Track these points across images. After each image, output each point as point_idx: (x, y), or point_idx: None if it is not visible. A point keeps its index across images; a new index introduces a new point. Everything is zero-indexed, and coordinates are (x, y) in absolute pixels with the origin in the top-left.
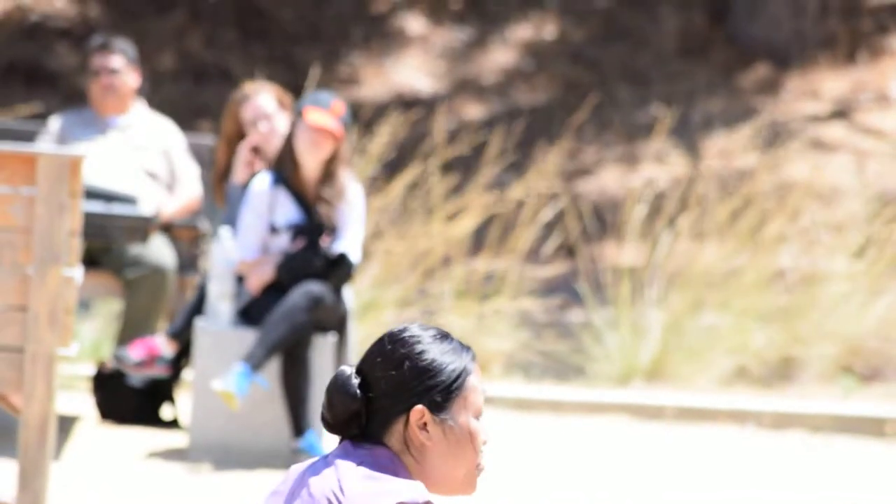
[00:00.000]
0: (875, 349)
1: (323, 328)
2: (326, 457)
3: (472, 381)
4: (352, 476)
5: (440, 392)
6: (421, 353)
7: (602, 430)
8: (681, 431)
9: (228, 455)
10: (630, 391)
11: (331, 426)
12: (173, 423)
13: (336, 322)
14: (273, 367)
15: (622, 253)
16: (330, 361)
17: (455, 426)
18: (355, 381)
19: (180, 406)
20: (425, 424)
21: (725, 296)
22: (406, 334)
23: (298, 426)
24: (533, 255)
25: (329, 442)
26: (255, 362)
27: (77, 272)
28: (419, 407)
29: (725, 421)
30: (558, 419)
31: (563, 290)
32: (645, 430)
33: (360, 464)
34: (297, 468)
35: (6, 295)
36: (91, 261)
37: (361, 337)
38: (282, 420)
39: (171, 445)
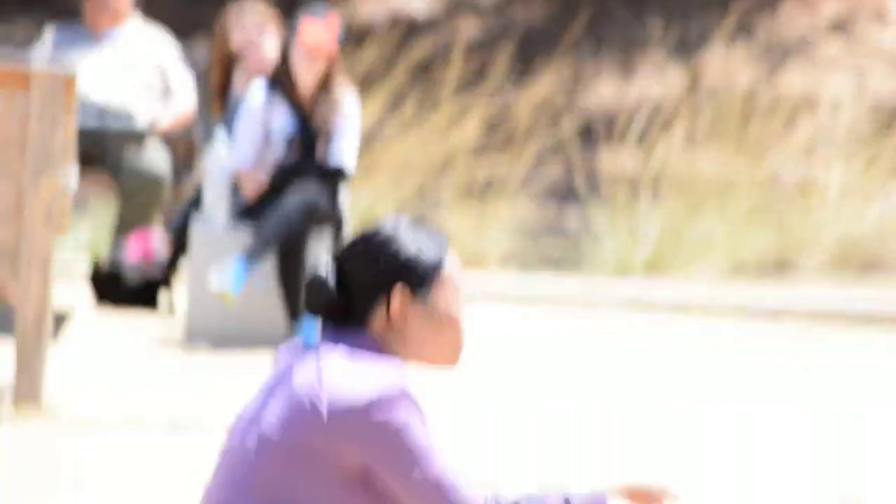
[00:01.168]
0: (869, 253)
1: (319, 231)
2: (309, 345)
3: (449, 265)
4: (332, 364)
5: (419, 277)
6: (396, 238)
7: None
8: (678, 325)
9: (224, 341)
10: (628, 283)
11: (311, 312)
12: (169, 312)
13: (332, 227)
14: (269, 267)
15: (620, 161)
16: (326, 250)
17: (435, 310)
18: (333, 276)
19: (177, 294)
20: (405, 308)
21: (721, 202)
22: (378, 231)
23: (294, 311)
24: (532, 164)
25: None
26: (251, 261)
27: (72, 180)
28: (399, 291)
29: (723, 315)
30: (556, 313)
31: (562, 196)
32: (642, 324)
33: (341, 351)
34: (284, 354)
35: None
36: (88, 164)
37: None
38: (277, 307)
39: (167, 332)
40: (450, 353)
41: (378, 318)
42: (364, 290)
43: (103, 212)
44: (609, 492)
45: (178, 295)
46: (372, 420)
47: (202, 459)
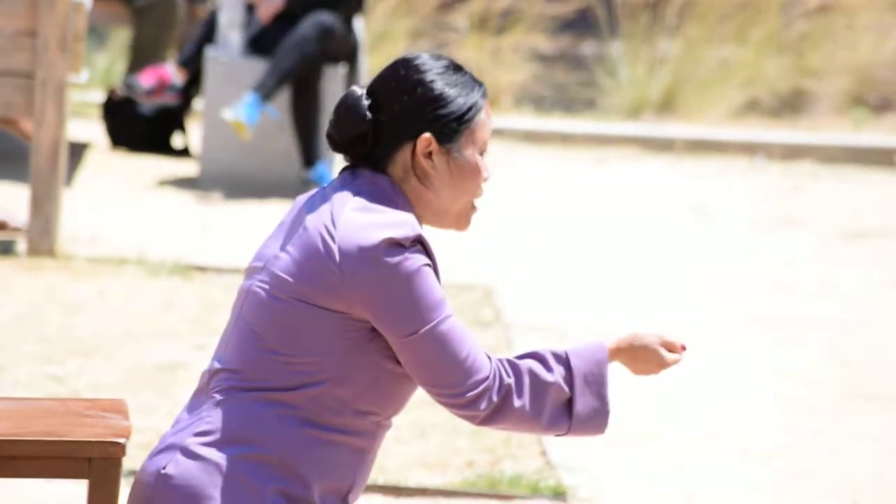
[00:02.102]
0: (888, 80)
1: (333, 59)
2: (325, 188)
3: (482, 116)
4: (346, 207)
5: (449, 122)
6: (434, 81)
7: (612, 162)
8: (691, 163)
9: (239, 184)
10: (640, 124)
11: (336, 144)
12: (184, 152)
13: (347, 53)
14: (283, 98)
15: None
16: (340, 92)
17: (460, 158)
18: (366, 101)
19: (191, 135)
20: (431, 153)
21: (741, 26)
22: (420, 61)
23: (308, 156)
24: None
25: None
26: (266, 92)
27: None
28: (427, 135)
29: (736, 152)
30: (568, 151)
31: (579, 24)
32: (655, 163)
33: (356, 193)
34: (301, 199)
35: (15, 20)
36: None
37: (372, 68)
38: (292, 150)
39: (182, 174)
40: (463, 209)
41: (399, 163)
42: (396, 121)
43: (117, 39)
44: (607, 343)
45: (192, 138)
46: (382, 263)
47: (212, 298)
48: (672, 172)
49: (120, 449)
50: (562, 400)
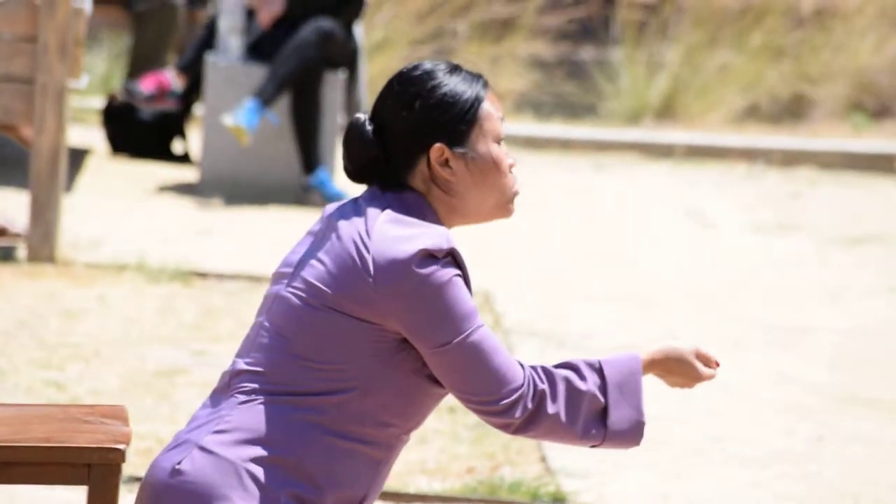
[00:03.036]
0: (887, 86)
1: (333, 64)
2: (356, 200)
3: (487, 107)
4: (379, 220)
5: (455, 124)
6: (431, 88)
7: (612, 168)
8: (690, 169)
9: (239, 189)
10: (640, 130)
11: (352, 175)
12: (184, 158)
13: (347, 58)
14: (284, 104)
15: None
16: (340, 98)
17: (476, 156)
18: (369, 127)
19: (191, 141)
20: (447, 160)
21: (741, 32)
22: (415, 72)
23: (308, 162)
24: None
25: (340, 179)
26: (266, 97)
27: (86, 3)
28: (437, 144)
29: (735, 158)
30: (568, 158)
31: (579, 31)
32: (655, 169)
33: (387, 207)
34: (331, 208)
35: (15, 25)
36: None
37: (372, 74)
38: (292, 156)
39: (182, 179)
40: (499, 201)
41: (419, 177)
42: (402, 139)
43: (117, 45)
44: (641, 353)
45: (192, 143)
46: (415, 274)
47: (212, 304)
48: (671, 178)
49: (119, 455)
50: (596, 409)
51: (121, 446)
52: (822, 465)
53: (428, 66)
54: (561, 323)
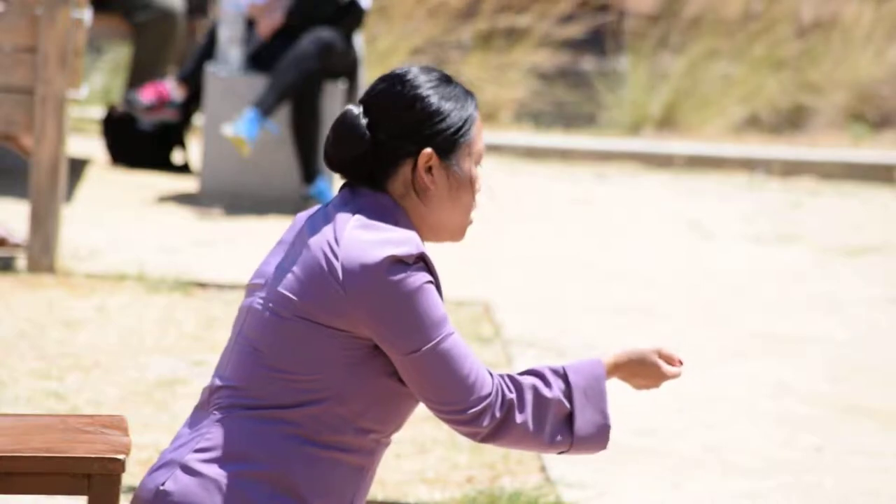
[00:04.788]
0: (887, 96)
1: (333, 74)
2: (326, 206)
3: (476, 128)
4: (348, 226)
5: (449, 136)
6: (430, 95)
7: (612, 177)
8: (690, 179)
9: (239, 199)
10: (640, 140)
11: (334, 165)
12: (184, 168)
13: (347, 68)
14: (283, 114)
15: (641, 2)
16: (340, 108)
17: (458, 172)
18: (364, 121)
19: (191, 151)
20: (431, 168)
21: (742, 43)
22: (413, 76)
23: (308, 172)
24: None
25: (338, 189)
26: (266, 108)
27: (86, 14)
28: (428, 150)
29: (735, 168)
30: (568, 168)
31: (580, 41)
32: (655, 178)
33: (357, 212)
34: (302, 217)
35: (15, 36)
36: (100, 3)
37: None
38: (292, 166)
39: (182, 190)
40: (461, 222)
41: (399, 179)
42: (395, 139)
43: (117, 55)
44: (604, 358)
45: (192, 154)
46: (385, 280)
47: (212, 314)
48: (672, 188)
49: (119, 465)
50: (563, 415)
51: (121, 456)
52: (822, 475)
53: (425, 72)
54: (560, 333)
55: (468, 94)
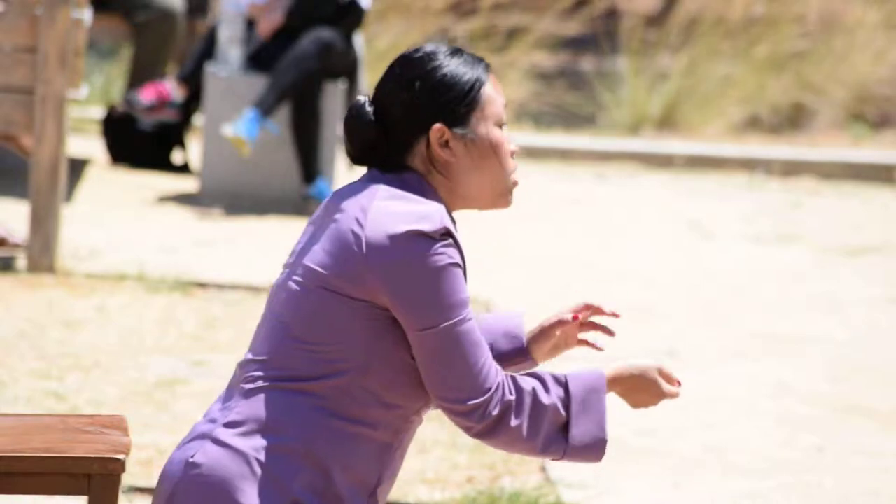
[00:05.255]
0: (887, 96)
1: (333, 74)
2: (355, 182)
3: (488, 90)
4: (376, 197)
5: (455, 106)
6: (432, 70)
7: (612, 177)
8: (690, 179)
9: (239, 199)
10: (640, 140)
11: (353, 157)
12: (184, 168)
13: (346, 68)
14: (284, 114)
15: (641, 1)
16: (340, 108)
17: (476, 138)
18: (369, 108)
19: (191, 151)
20: (447, 141)
21: (743, 43)
22: (416, 55)
23: (308, 172)
24: (552, 12)
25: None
26: (266, 108)
27: (86, 14)
28: (437, 125)
29: (735, 168)
30: (568, 168)
31: (579, 41)
32: (655, 179)
33: (386, 187)
34: (331, 196)
35: (15, 36)
36: (100, 4)
37: (372, 83)
38: (292, 166)
39: (182, 190)
40: (498, 187)
41: (419, 159)
42: (402, 120)
43: (117, 55)
44: (606, 370)
45: (192, 154)
46: (408, 251)
47: (212, 315)
48: (671, 188)
49: (119, 465)
50: (558, 423)
51: (120, 456)
52: (822, 475)
53: (429, 48)
54: None
55: (476, 60)
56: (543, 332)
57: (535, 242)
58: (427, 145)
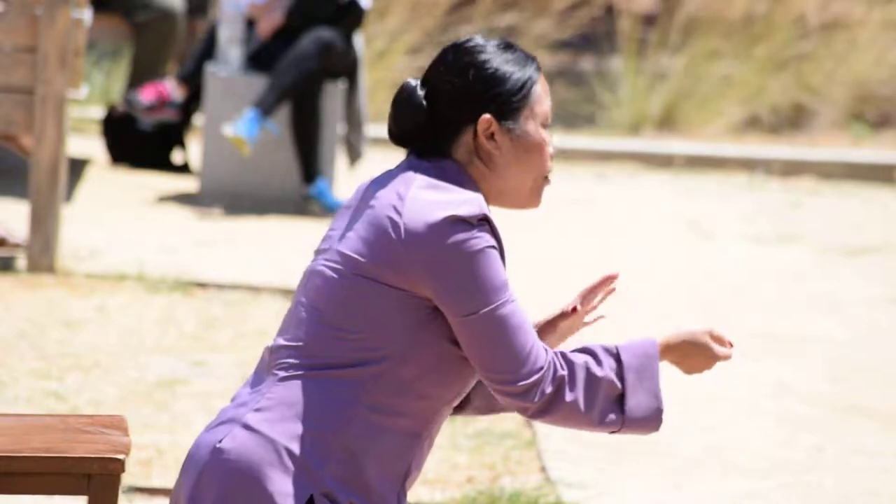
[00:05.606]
0: (887, 96)
1: (333, 74)
2: (391, 170)
3: (538, 89)
4: (413, 185)
5: (507, 100)
6: (486, 61)
7: (612, 177)
8: (690, 179)
9: (239, 199)
10: (640, 140)
11: (396, 138)
12: (184, 168)
13: (347, 68)
14: (284, 114)
15: (641, 1)
16: (340, 108)
17: (523, 135)
18: (421, 91)
19: (191, 150)
20: (493, 134)
21: (743, 43)
22: (470, 44)
23: (308, 172)
24: (555, 15)
25: (339, 189)
26: (266, 108)
27: (86, 14)
28: (486, 116)
29: (735, 168)
30: (568, 168)
31: (579, 41)
32: (655, 179)
33: (423, 173)
34: (365, 182)
35: (15, 36)
36: (100, 4)
37: (372, 84)
38: (292, 166)
39: (182, 190)
40: (535, 184)
41: (463, 147)
42: (452, 107)
43: (117, 55)
44: (658, 339)
45: (192, 154)
46: (447, 239)
47: (212, 314)
48: (671, 188)
49: (119, 465)
50: (614, 395)
51: (120, 456)
52: (822, 475)
53: (483, 39)
54: None
55: (528, 57)
56: (549, 324)
57: (535, 242)
58: (474, 135)
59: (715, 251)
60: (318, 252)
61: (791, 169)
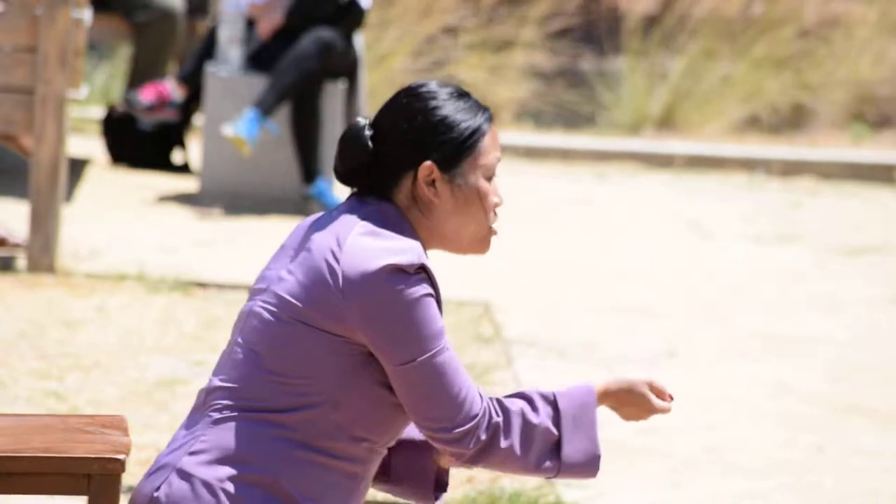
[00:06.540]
0: (887, 96)
1: (334, 74)
2: (332, 212)
3: (486, 141)
4: (353, 232)
5: (451, 149)
6: (435, 108)
7: (612, 177)
8: (690, 179)
9: (239, 199)
10: (640, 140)
11: (341, 176)
12: (184, 168)
13: (347, 68)
14: (284, 114)
15: (641, 1)
16: (340, 108)
17: (464, 185)
18: (368, 132)
19: (191, 150)
20: (434, 181)
21: (743, 43)
22: (423, 89)
23: (308, 172)
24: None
25: (340, 189)
26: (266, 108)
27: (86, 14)
28: (428, 163)
29: (735, 168)
30: (568, 168)
31: (579, 40)
32: (655, 178)
33: (363, 219)
34: (306, 222)
35: (15, 36)
36: (100, 4)
37: (372, 84)
38: (292, 166)
39: (182, 190)
40: (476, 235)
41: (403, 192)
42: (396, 150)
43: (117, 55)
44: (595, 385)
45: (192, 154)
46: (384, 288)
47: (213, 315)
48: (672, 188)
49: (119, 465)
50: (550, 441)
51: (121, 456)
52: (822, 475)
53: (437, 85)
54: (561, 333)
55: (481, 108)
56: None
57: (535, 242)
58: (414, 181)
59: (715, 251)
60: (253, 292)
61: (791, 169)
